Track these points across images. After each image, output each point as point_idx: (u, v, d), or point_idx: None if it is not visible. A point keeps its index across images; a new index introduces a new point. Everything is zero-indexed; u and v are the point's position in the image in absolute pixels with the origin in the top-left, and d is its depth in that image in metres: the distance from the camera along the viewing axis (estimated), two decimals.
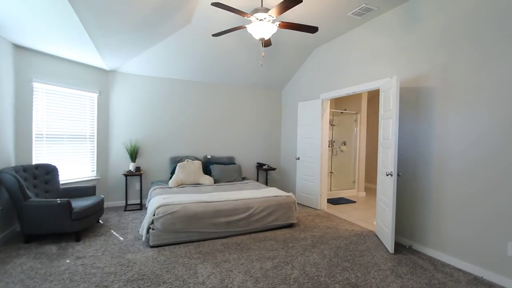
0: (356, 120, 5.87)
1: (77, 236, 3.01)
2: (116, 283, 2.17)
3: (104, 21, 2.89)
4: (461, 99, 2.58)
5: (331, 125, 5.87)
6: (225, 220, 3.17)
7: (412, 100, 3.06)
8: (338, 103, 6.46)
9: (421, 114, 2.96)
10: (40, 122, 3.52)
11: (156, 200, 3.16)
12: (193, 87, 5.11)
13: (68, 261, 2.52)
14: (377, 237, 3.32)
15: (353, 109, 5.96)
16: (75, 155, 4.00)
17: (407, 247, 3.05)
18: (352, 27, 3.87)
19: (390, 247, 2.86)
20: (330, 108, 6.12)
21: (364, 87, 3.74)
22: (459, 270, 2.52)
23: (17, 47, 3.23)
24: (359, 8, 3.29)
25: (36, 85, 3.43)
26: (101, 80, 4.32)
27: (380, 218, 3.22)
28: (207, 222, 3.10)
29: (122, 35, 3.33)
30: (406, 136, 3.12)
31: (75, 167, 4.00)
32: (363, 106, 5.82)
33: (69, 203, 2.87)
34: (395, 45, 3.28)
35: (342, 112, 5.99)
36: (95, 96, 4.25)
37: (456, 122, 2.62)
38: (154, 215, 2.90)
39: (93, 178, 4.22)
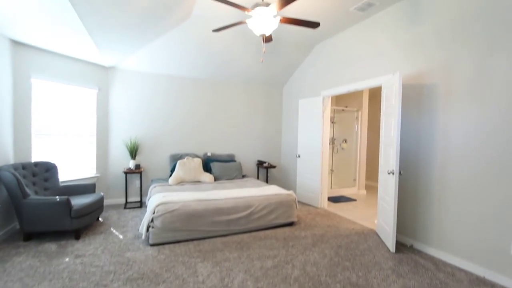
0: (357, 118, 5.83)
1: (77, 234, 3.00)
2: (115, 282, 2.15)
3: (102, 16, 2.84)
4: (466, 96, 2.53)
5: (331, 122, 5.82)
6: (225, 218, 3.15)
7: (415, 97, 3.01)
8: (339, 100, 6.41)
9: (423, 112, 2.92)
10: (39, 120, 3.49)
11: (155, 198, 3.14)
12: (193, 83, 5.07)
13: (67, 259, 2.51)
14: (378, 236, 3.29)
15: (354, 106, 5.91)
16: (75, 152, 3.98)
17: (408, 246, 3.03)
18: (354, 22, 3.81)
19: (391, 246, 2.84)
20: (331, 105, 6.07)
21: (366, 84, 3.69)
22: (461, 269, 2.50)
23: (15, 43, 3.19)
24: (362, 2, 3.22)
25: (34, 81, 3.39)
26: (101, 77, 4.29)
27: (382, 217, 3.20)
28: (207, 220, 3.08)
29: (121, 31, 3.27)
30: (408, 134, 3.08)
31: (75, 164, 3.98)
32: (364, 103, 5.77)
33: (68, 201, 2.85)
34: (398, 41, 3.22)
35: (343, 110, 5.94)
36: (94, 92, 4.21)
37: (461, 119, 2.58)
38: (153, 213, 2.88)
39: (93, 175, 4.20)
